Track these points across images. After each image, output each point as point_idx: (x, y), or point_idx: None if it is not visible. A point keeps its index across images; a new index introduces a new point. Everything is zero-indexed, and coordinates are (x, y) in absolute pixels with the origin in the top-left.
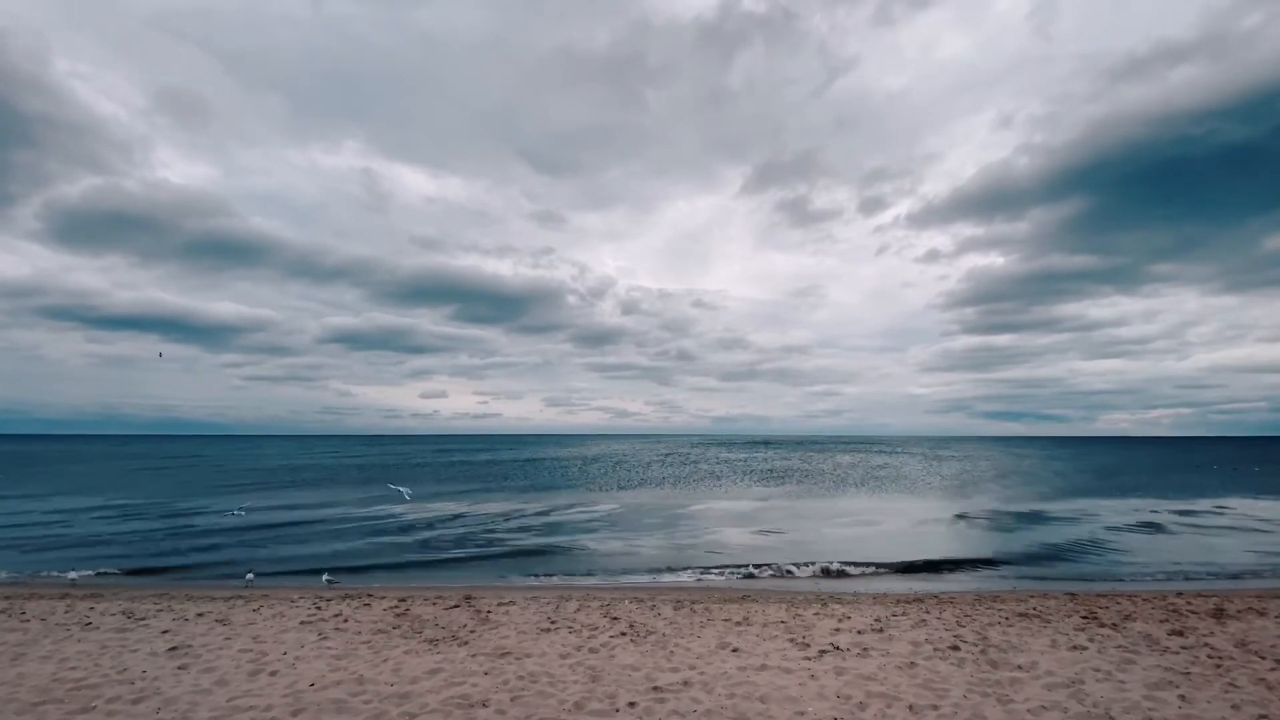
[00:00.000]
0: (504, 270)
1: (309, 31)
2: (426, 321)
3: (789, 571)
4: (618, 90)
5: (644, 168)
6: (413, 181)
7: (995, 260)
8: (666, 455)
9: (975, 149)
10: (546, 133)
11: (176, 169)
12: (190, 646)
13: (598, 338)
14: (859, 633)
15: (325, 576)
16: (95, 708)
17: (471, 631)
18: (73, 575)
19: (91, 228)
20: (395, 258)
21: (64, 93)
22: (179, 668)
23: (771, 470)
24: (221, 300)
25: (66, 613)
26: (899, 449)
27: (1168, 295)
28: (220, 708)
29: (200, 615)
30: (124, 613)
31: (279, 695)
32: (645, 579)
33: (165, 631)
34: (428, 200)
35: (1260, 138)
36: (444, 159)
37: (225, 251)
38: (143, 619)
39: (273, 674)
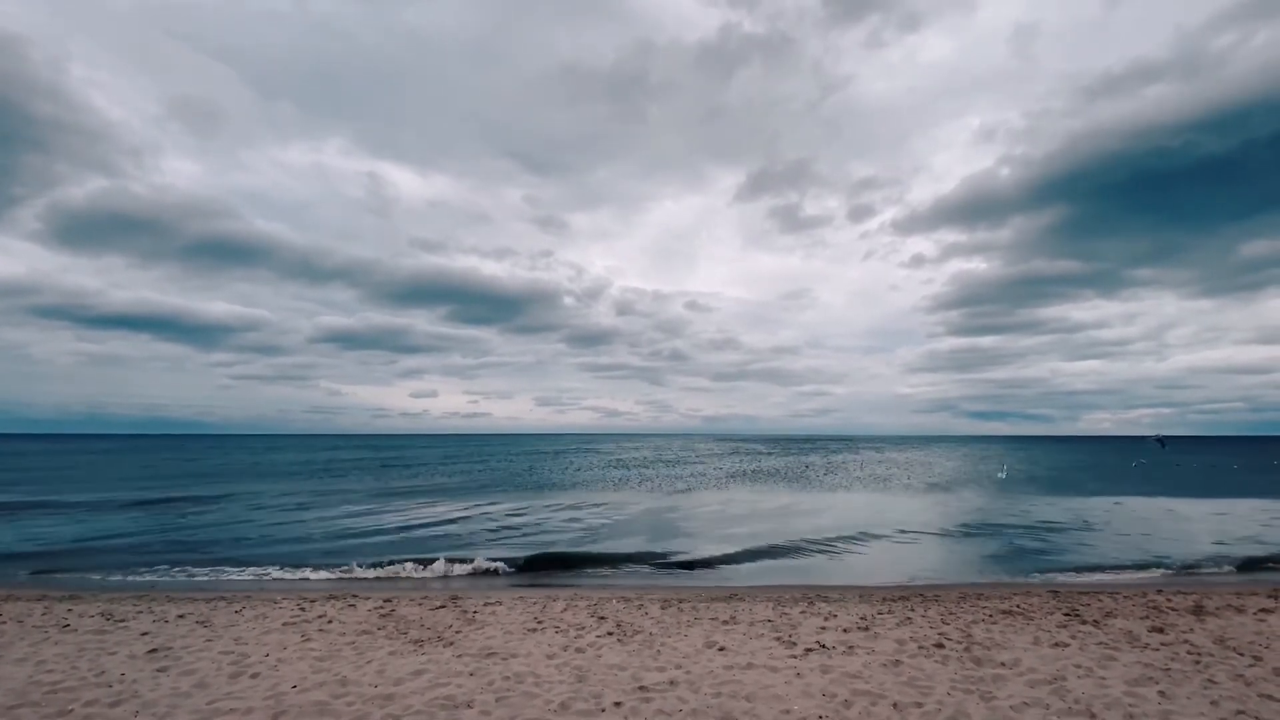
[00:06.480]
0: (501, 272)
1: (304, 33)
2: (422, 322)
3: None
4: (619, 106)
5: (633, 168)
6: (414, 184)
7: (979, 265)
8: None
9: (959, 158)
10: (545, 139)
11: (181, 171)
12: (170, 649)
13: (592, 338)
14: (845, 631)
15: None
16: (72, 711)
17: (457, 632)
18: None
19: (93, 229)
20: (394, 259)
21: (76, 97)
22: (158, 670)
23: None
24: (216, 300)
25: (44, 615)
26: (859, 447)
27: (1147, 299)
28: (200, 710)
29: (181, 617)
30: (103, 614)
31: (260, 698)
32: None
33: (145, 634)
34: (429, 204)
35: (1235, 150)
36: (444, 161)
37: (226, 253)
38: (122, 621)
39: (254, 676)
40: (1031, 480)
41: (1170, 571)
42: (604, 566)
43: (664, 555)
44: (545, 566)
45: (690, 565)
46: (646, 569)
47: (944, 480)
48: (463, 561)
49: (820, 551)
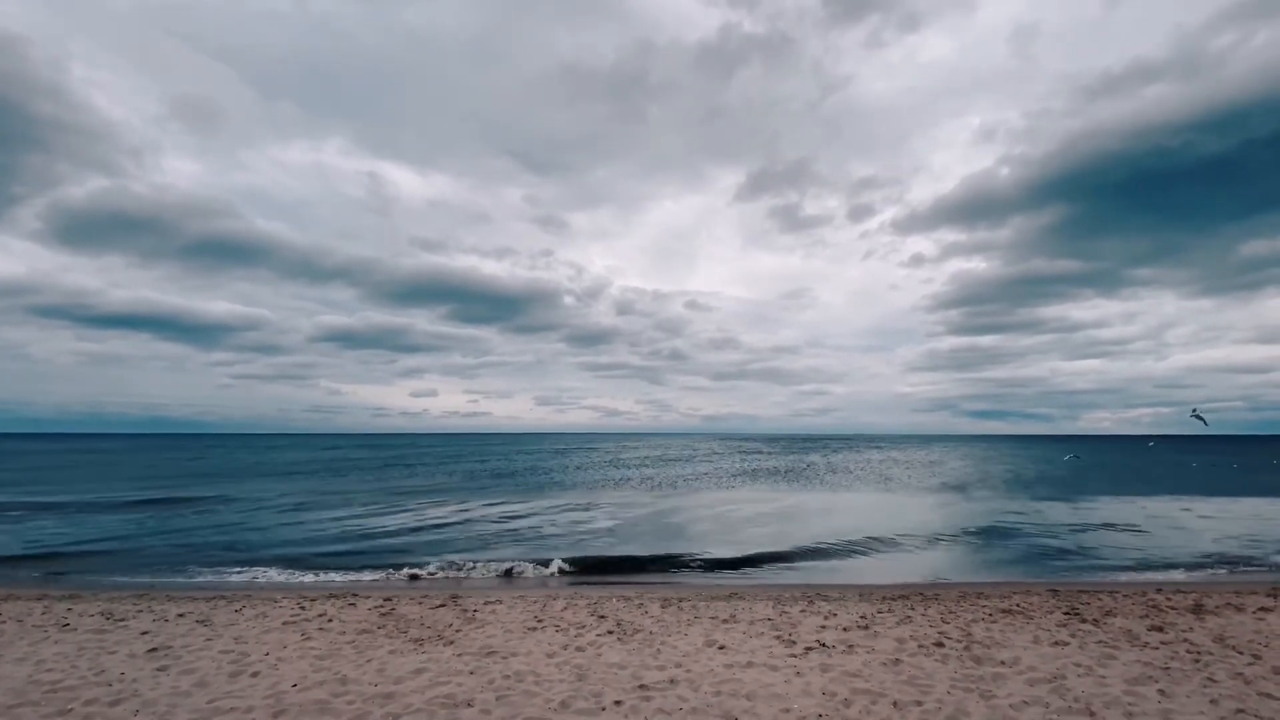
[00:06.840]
0: (501, 271)
1: (304, 33)
2: (422, 321)
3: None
4: (619, 106)
5: (633, 168)
6: (414, 183)
7: (979, 265)
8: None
9: (959, 158)
10: (545, 139)
11: (181, 171)
12: (170, 648)
13: (591, 338)
14: (845, 630)
15: None
16: (72, 710)
17: (457, 631)
18: None
19: (93, 229)
20: (394, 259)
21: (77, 97)
22: (158, 669)
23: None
24: (217, 300)
25: (44, 614)
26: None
27: (1147, 298)
28: (200, 709)
29: (181, 616)
30: (102, 614)
31: (260, 697)
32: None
33: (145, 633)
34: (429, 203)
35: (1234, 150)
36: (444, 161)
37: (226, 252)
38: (122, 620)
39: (254, 675)
40: (1056, 476)
41: (1169, 570)
42: (642, 571)
43: (696, 556)
44: (585, 570)
45: (729, 565)
46: (685, 571)
47: (948, 480)
48: (482, 563)
49: (831, 551)
